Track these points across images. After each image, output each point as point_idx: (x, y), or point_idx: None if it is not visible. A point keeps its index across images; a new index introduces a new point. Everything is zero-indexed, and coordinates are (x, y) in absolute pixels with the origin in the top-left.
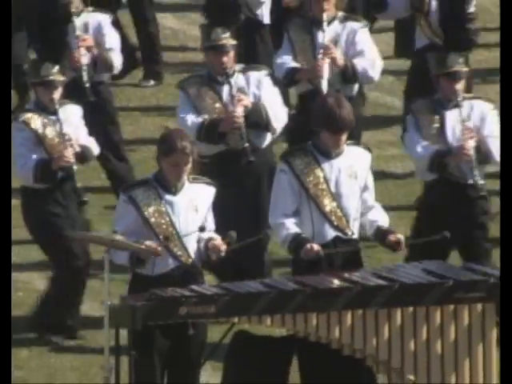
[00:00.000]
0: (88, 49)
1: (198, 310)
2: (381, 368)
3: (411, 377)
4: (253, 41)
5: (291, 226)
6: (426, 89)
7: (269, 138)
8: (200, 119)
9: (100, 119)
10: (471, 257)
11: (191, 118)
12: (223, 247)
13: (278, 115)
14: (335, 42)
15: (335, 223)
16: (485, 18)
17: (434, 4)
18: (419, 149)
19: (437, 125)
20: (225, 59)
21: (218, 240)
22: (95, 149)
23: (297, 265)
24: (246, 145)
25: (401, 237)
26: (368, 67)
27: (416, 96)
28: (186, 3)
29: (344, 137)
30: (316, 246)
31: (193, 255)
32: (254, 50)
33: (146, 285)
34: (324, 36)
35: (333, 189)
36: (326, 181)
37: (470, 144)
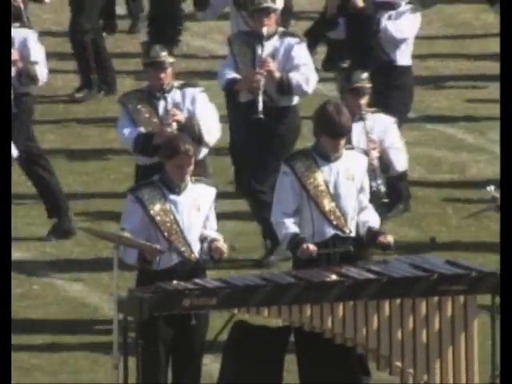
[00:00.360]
0: (13, 62)
1: (201, 301)
2: (370, 355)
3: (398, 363)
4: None
5: (291, 225)
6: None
7: (203, 151)
8: (136, 132)
9: (17, 129)
10: None
11: (128, 131)
12: (225, 249)
13: (211, 130)
14: (273, 55)
15: (334, 222)
16: (466, 29)
17: (383, 24)
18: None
19: None
20: (162, 75)
21: (220, 242)
22: (14, 152)
23: (297, 261)
24: None
25: (390, 238)
26: (302, 82)
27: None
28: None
29: (343, 142)
30: (311, 246)
31: (195, 251)
32: None
33: (152, 278)
34: (263, 50)
35: (332, 190)
36: (326, 183)
37: (374, 154)
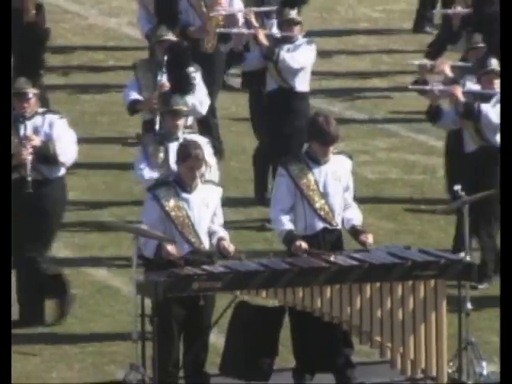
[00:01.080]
0: None
1: (208, 285)
2: (353, 331)
3: (378, 338)
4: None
5: (287, 222)
6: (277, 122)
7: (61, 171)
8: None
9: None
10: None
11: None
12: (232, 249)
13: (67, 151)
14: None
15: (323, 217)
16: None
17: (282, 56)
18: (144, 172)
19: (162, 154)
20: (25, 105)
21: (227, 242)
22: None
23: (291, 254)
24: (29, 178)
25: (371, 239)
26: (197, 104)
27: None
28: None
29: (331, 148)
30: (303, 244)
31: (204, 242)
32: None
33: (166, 265)
34: (162, 76)
35: (321, 189)
36: (316, 183)
37: None
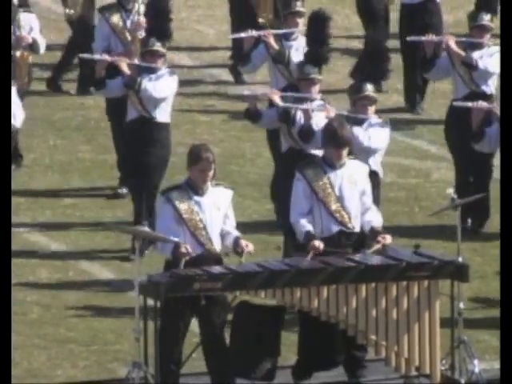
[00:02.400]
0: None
1: (208, 285)
2: (350, 330)
3: (373, 337)
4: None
5: (305, 224)
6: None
7: None
8: None
9: None
10: None
11: None
12: (250, 248)
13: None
14: None
15: (339, 220)
16: None
17: (144, 85)
18: None
19: None
20: None
21: (243, 241)
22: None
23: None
24: None
25: (388, 238)
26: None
27: None
28: None
29: (345, 151)
30: (318, 243)
31: (215, 244)
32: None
33: (178, 266)
34: None
35: (337, 193)
36: (332, 186)
37: None
